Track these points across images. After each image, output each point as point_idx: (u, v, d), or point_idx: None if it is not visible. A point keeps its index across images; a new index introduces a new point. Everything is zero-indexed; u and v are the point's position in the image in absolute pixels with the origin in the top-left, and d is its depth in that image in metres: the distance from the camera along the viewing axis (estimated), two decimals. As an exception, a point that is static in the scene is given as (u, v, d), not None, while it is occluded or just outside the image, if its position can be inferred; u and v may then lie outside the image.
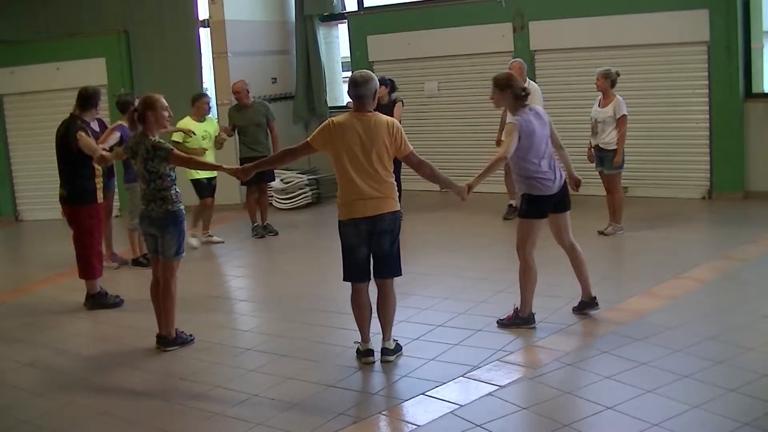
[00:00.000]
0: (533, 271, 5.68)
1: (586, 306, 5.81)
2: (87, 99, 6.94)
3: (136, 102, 6.08)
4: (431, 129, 11.43)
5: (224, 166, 5.70)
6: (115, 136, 7.52)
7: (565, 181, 5.70)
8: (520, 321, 5.72)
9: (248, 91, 9.44)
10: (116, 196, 9.43)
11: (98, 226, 7.21)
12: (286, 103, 12.22)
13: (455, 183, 5.46)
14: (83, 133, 6.77)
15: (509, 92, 5.54)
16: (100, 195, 7.14)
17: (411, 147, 5.17)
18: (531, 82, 9.39)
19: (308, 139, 5.22)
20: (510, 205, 9.52)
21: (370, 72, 5.23)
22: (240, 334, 6.24)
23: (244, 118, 9.41)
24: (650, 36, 9.74)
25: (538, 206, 5.60)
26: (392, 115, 7.99)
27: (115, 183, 8.28)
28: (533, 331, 5.63)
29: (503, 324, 5.78)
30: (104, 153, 6.63)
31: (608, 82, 7.97)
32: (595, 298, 5.81)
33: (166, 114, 5.73)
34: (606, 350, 5.26)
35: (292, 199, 11.31)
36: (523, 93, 5.55)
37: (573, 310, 5.90)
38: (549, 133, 5.65)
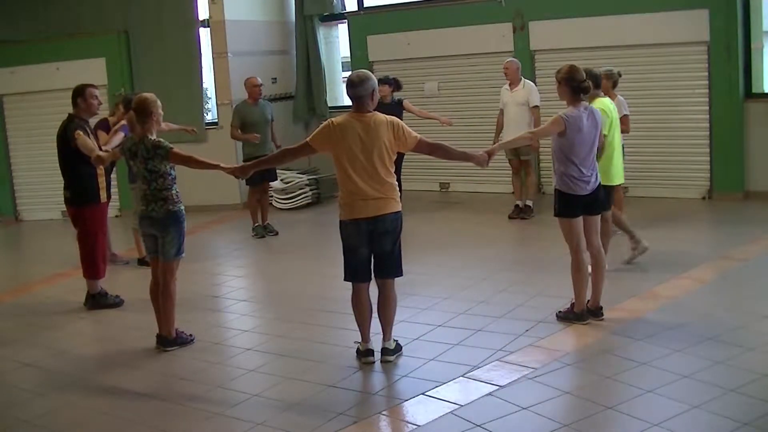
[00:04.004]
0: (583, 268, 5.64)
1: (591, 314, 5.74)
2: (73, 96, 6.93)
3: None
4: (431, 129, 11.42)
5: (222, 165, 5.70)
6: (119, 137, 7.52)
7: (599, 185, 5.68)
8: (573, 316, 5.73)
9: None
10: (117, 196, 9.45)
11: (102, 225, 7.22)
12: (286, 103, 12.23)
13: (473, 153, 5.46)
14: (81, 132, 6.77)
15: (566, 85, 5.53)
16: (103, 194, 7.14)
17: (417, 135, 5.17)
18: (526, 81, 9.42)
19: (308, 139, 5.21)
20: (516, 205, 9.54)
21: (367, 71, 5.21)
22: (240, 334, 6.24)
23: (255, 114, 9.40)
24: (650, 36, 9.75)
25: (569, 205, 5.60)
26: (400, 116, 8.00)
27: (111, 182, 8.23)
28: (535, 331, 5.62)
29: (560, 317, 5.79)
30: (100, 153, 6.62)
31: (610, 82, 7.96)
32: (601, 308, 5.77)
33: (161, 113, 5.80)
34: (606, 350, 5.27)
35: (292, 199, 11.31)
36: (582, 86, 5.51)
37: (557, 315, 5.84)
38: (597, 135, 5.63)
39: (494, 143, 9.07)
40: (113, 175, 8.18)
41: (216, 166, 5.69)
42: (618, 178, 6.95)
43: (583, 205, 5.61)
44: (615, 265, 6.77)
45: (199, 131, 10.97)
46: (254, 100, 9.48)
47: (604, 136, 6.55)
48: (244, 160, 9.21)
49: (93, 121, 7.32)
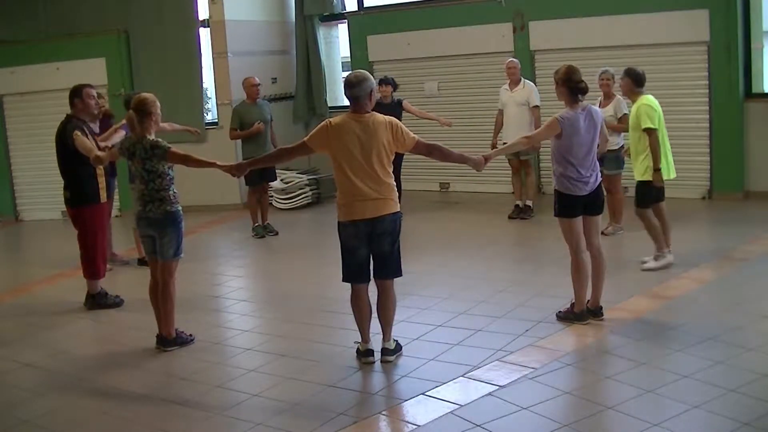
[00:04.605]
0: (583, 268, 5.63)
1: (590, 314, 5.74)
2: (70, 96, 6.93)
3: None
4: (431, 129, 11.44)
5: (218, 163, 5.71)
6: (120, 135, 7.51)
7: (599, 185, 5.66)
8: (573, 316, 5.72)
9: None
10: (117, 196, 9.43)
11: (102, 226, 7.22)
12: (286, 103, 12.22)
13: (470, 156, 5.46)
14: (79, 133, 6.76)
15: (564, 86, 5.53)
16: (103, 195, 7.15)
17: (415, 136, 5.16)
18: (526, 81, 9.42)
19: (305, 139, 5.20)
20: (516, 205, 9.54)
21: (365, 72, 5.20)
22: (240, 334, 6.24)
23: (254, 114, 9.39)
24: (650, 36, 9.74)
25: (568, 205, 5.60)
26: (399, 116, 7.99)
27: (116, 183, 8.26)
28: (535, 331, 5.62)
29: (560, 317, 5.79)
30: (99, 153, 6.62)
31: (613, 82, 7.99)
32: (601, 308, 5.76)
33: (160, 114, 5.80)
34: (606, 350, 5.28)
35: (292, 199, 11.31)
36: (579, 87, 5.50)
37: (557, 315, 5.83)
38: (596, 136, 5.61)
39: (493, 143, 9.12)
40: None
41: (212, 164, 5.70)
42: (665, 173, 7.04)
43: (583, 205, 5.61)
44: (615, 265, 6.76)
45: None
46: (253, 99, 9.48)
47: (655, 129, 6.62)
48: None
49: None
